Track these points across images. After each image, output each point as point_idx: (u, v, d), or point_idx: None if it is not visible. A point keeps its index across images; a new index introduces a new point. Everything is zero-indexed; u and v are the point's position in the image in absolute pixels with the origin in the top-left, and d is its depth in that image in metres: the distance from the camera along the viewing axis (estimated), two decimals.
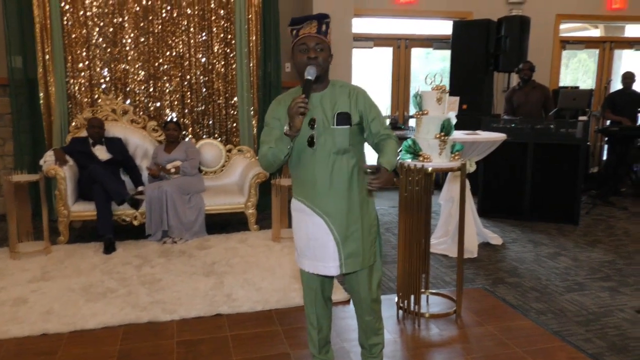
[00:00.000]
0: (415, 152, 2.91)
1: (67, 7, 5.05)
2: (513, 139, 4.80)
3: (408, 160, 2.91)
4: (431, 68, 7.57)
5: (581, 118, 5.61)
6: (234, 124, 5.58)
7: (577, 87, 6.89)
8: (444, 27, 6.79)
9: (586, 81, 7.88)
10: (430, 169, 2.84)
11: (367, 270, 2.13)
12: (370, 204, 2.12)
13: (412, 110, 3.05)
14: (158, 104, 5.42)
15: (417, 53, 7.01)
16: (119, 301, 3.20)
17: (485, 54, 6.18)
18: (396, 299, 3.12)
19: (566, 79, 7.71)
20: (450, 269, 3.82)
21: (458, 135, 3.95)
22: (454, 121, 2.89)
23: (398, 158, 2.01)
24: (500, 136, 4.13)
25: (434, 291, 3.39)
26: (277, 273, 3.68)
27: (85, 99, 5.20)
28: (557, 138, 5.02)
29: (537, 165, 5.07)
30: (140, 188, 4.70)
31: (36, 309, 3.08)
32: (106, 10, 5.16)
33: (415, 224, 2.91)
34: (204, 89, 5.50)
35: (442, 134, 2.86)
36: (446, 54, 6.68)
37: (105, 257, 4.03)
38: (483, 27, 6.18)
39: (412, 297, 2.98)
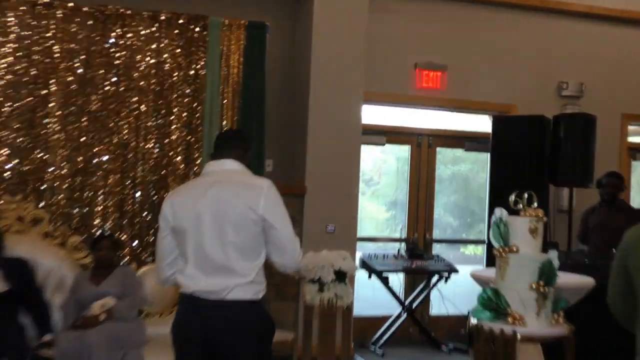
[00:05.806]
0: (499, 308, 2.53)
1: None
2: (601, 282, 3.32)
3: (487, 322, 2.54)
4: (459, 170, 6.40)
5: None
6: None
7: None
8: (479, 123, 5.71)
9: None
10: (520, 335, 2.44)
11: None
12: None
13: (494, 243, 2.64)
14: (85, 210, 4.34)
15: (443, 154, 5.80)
16: None
17: (537, 161, 4.96)
18: None
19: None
20: None
21: None
22: (556, 264, 2.52)
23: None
24: (585, 281, 3.23)
25: None
26: None
27: None
28: None
29: None
30: (47, 337, 3.56)
31: None
32: (25, 79, 4.17)
33: None
34: (153, 192, 4.39)
35: (541, 282, 2.49)
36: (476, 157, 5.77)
37: None
38: (535, 125, 5.02)
39: None
